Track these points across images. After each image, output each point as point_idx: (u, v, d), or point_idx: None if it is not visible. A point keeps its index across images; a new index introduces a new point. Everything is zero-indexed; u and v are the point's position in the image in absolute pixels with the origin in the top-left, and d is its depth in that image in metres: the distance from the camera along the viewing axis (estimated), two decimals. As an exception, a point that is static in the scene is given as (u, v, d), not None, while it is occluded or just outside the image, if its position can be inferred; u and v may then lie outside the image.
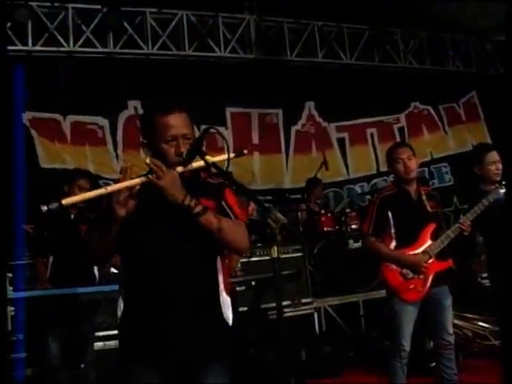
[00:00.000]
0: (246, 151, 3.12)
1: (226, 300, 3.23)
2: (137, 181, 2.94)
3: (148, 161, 2.95)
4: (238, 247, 3.27)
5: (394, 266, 5.27)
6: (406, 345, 5.19)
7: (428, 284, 5.21)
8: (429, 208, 5.38)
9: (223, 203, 3.20)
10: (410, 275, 5.20)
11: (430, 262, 5.21)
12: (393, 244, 5.33)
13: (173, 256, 3.07)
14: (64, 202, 2.85)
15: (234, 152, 3.11)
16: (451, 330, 5.34)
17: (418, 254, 5.24)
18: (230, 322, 3.24)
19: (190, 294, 3.07)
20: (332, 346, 7.66)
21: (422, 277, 5.19)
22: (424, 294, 5.21)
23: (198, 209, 2.98)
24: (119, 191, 2.91)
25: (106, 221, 3.00)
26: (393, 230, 5.32)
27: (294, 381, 6.56)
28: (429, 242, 5.27)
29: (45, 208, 2.79)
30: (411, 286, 5.19)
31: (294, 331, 7.52)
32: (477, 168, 5.68)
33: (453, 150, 12.60)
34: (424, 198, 5.40)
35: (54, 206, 2.80)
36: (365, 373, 7.24)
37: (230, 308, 3.26)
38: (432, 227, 5.31)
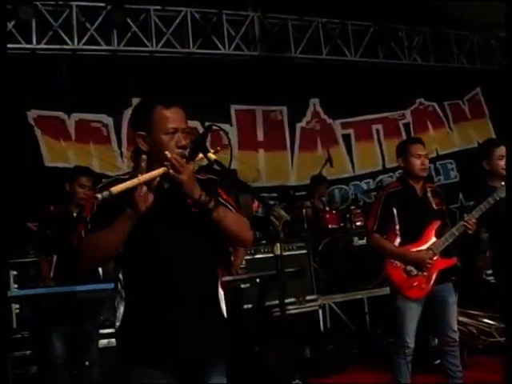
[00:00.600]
0: (219, 148, 3.10)
1: (221, 294, 3.24)
2: (160, 171, 2.92)
3: (169, 155, 2.93)
4: (245, 239, 3.29)
5: (398, 263, 5.25)
6: (410, 342, 5.17)
7: (432, 281, 5.19)
8: (434, 205, 5.37)
9: (220, 199, 3.17)
10: (414, 272, 5.19)
11: (434, 259, 5.20)
12: (397, 240, 5.31)
13: (183, 253, 3.06)
14: (113, 190, 2.82)
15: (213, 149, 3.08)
16: (456, 327, 5.33)
17: (422, 251, 5.22)
18: (225, 315, 3.24)
19: (198, 291, 3.07)
20: (336, 342, 7.65)
21: (425, 274, 5.18)
22: (428, 292, 5.19)
23: (212, 204, 2.98)
24: (140, 185, 2.88)
25: (124, 218, 2.94)
26: (397, 227, 5.30)
27: (299, 377, 6.57)
28: (433, 240, 5.26)
29: (99, 196, 2.80)
30: (415, 283, 5.18)
31: (299, 328, 7.51)
32: (485, 163, 5.67)
33: (458, 147, 12.58)
34: (429, 194, 5.40)
35: (106, 194, 2.80)
36: (369, 369, 7.24)
37: (224, 302, 3.26)
38: (437, 224, 5.30)
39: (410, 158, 5.34)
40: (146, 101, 3.24)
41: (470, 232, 5.22)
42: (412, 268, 5.20)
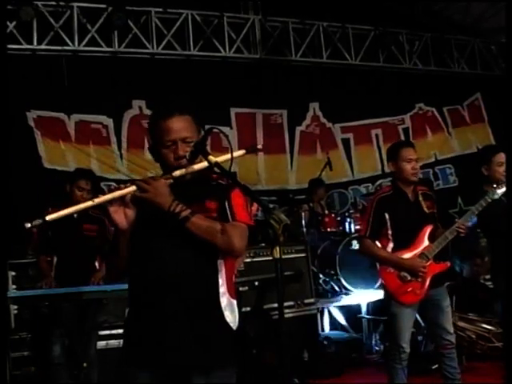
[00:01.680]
0: (260, 146, 3.13)
1: (228, 303, 3.18)
2: (122, 192, 2.97)
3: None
4: (229, 249, 3.11)
5: (392, 269, 5.19)
6: (406, 346, 5.13)
7: (426, 286, 5.14)
8: (425, 209, 5.31)
9: (226, 204, 3.14)
10: (408, 278, 5.12)
11: (427, 264, 5.17)
12: (390, 246, 5.23)
13: (169, 263, 3.06)
14: (48, 218, 2.85)
15: (245, 149, 3.09)
16: (451, 330, 5.28)
17: (415, 257, 5.16)
18: (234, 325, 3.20)
19: (186, 301, 3.05)
20: (334, 346, 7.65)
21: (419, 279, 5.13)
22: (422, 297, 5.15)
23: (185, 214, 2.98)
24: (109, 202, 2.96)
25: (115, 234, 3.09)
26: (390, 232, 5.22)
27: (297, 381, 6.57)
28: (426, 244, 5.20)
29: (28, 225, 2.81)
30: (409, 289, 5.12)
31: (297, 331, 7.51)
32: (484, 168, 5.67)
33: (457, 152, 12.59)
34: (420, 198, 5.32)
35: (38, 222, 2.80)
36: (367, 373, 7.23)
37: (236, 311, 3.22)
38: (429, 229, 5.23)
39: (401, 162, 5.25)
40: (153, 112, 3.34)
41: (462, 235, 5.20)
42: (406, 274, 5.15)
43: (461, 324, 7.36)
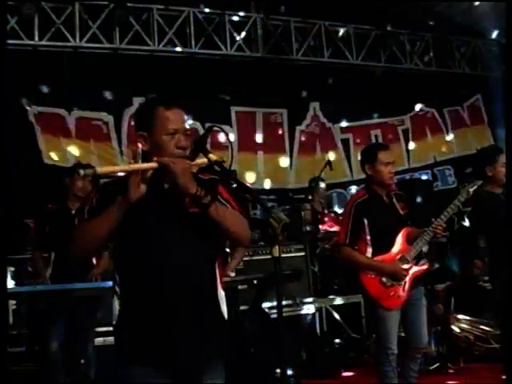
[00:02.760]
0: (224, 159, 3.12)
1: (222, 295, 3.21)
2: (152, 164, 2.94)
3: (155, 158, 2.96)
4: (242, 237, 3.23)
5: (374, 275, 5.12)
6: (395, 348, 5.05)
7: (407, 289, 5.09)
8: (400, 210, 5.26)
9: (220, 198, 3.16)
10: (390, 283, 5.06)
11: (408, 267, 5.10)
12: (369, 251, 5.15)
13: (178, 254, 3.04)
14: (99, 170, 2.93)
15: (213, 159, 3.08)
16: (426, 335, 5.24)
17: (396, 261, 5.10)
18: (226, 316, 3.22)
19: (194, 292, 3.04)
20: (333, 346, 7.64)
21: (401, 283, 5.08)
22: (405, 299, 5.08)
23: (208, 199, 2.97)
24: (136, 172, 2.90)
25: (113, 205, 2.95)
26: (368, 237, 5.14)
27: (294, 380, 6.56)
28: (405, 247, 5.14)
29: (82, 172, 2.85)
30: (392, 294, 5.05)
31: (295, 330, 7.51)
32: (488, 169, 5.59)
33: (456, 153, 12.59)
34: (395, 200, 5.27)
35: (89, 172, 2.84)
36: (365, 373, 7.22)
37: (225, 303, 3.23)
38: (407, 231, 5.17)
39: (379, 166, 5.17)
40: (148, 101, 3.26)
41: (438, 236, 5.17)
42: (388, 278, 5.07)
43: (459, 325, 7.37)
